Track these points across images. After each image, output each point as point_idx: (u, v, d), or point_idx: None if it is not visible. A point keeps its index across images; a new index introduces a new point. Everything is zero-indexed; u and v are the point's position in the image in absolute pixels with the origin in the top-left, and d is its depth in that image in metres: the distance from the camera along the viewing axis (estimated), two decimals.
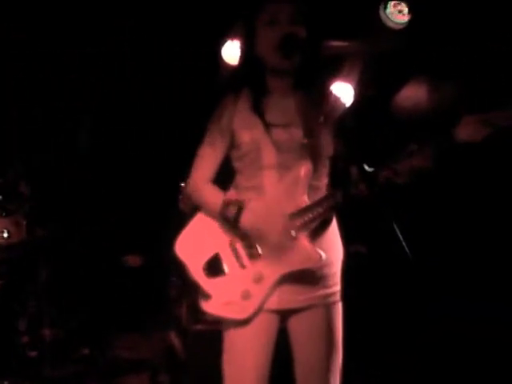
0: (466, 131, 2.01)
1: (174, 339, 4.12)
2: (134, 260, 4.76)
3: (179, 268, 2.23)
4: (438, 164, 2.04)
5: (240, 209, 2.16)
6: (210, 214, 2.25)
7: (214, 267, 2.18)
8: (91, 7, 3.94)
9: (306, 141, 2.18)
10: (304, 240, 2.14)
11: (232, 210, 2.16)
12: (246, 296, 2.14)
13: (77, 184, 4.72)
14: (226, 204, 2.19)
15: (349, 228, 2.38)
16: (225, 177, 2.32)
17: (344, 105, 2.28)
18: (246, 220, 2.15)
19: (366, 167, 2.05)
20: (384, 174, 2.06)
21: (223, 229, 2.22)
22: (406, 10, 3.81)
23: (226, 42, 4.03)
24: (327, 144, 2.22)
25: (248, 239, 2.18)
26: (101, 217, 4.76)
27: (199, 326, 3.88)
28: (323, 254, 2.13)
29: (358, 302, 3.78)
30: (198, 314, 2.30)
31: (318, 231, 2.19)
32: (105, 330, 4.48)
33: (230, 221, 2.17)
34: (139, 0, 3.86)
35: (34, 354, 3.95)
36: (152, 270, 4.55)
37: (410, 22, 3.80)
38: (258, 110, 2.21)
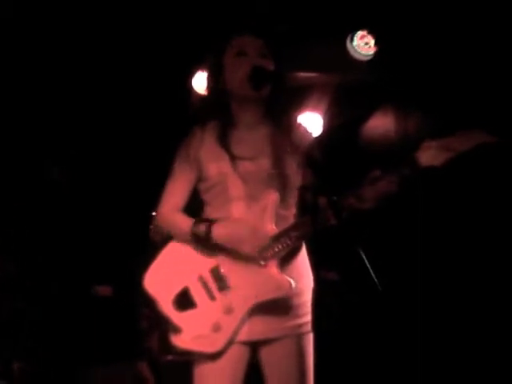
0: (427, 156, 2.04)
1: (145, 370, 4.09)
2: (104, 290, 4.72)
3: (149, 300, 2.23)
4: (402, 188, 2.07)
5: (211, 224, 2.16)
6: (181, 236, 2.23)
7: (183, 301, 2.17)
8: (51, 50, 3.94)
9: (273, 171, 2.20)
10: (274, 269, 2.14)
11: (202, 227, 2.16)
12: (216, 328, 2.13)
13: (47, 215, 4.68)
14: (197, 222, 2.19)
15: (321, 255, 2.40)
16: (194, 210, 2.32)
17: (312, 135, 2.31)
18: (218, 233, 2.15)
19: (333, 195, 2.08)
20: (349, 202, 2.08)
21: (197, 249, 2.21)
22: (372, 42, 3.88)
23: (196, 72, 4.06)
24: (295, 174, 2.25)
25: (217, 271, 2.18)
26: (71, 246, 4.72)
27: (170, 357, 3.85)
28: (293, 283, 2.13)
29: (331, 331, 3.80)
30: (169, 344, 2.28)
31: (287, 260, 2.20)
32: (75, 363, 4.42)
33: (202, 237, 2.16)
34: (108, 32, 3.87)
35: (3, 383, 3.89)
36: (123, 301, 4.51)
37: (376, 53, 3.87)
38: (225, 142, 2.23)
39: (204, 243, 2.17)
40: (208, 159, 2.23)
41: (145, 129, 4.57)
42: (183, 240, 2.23)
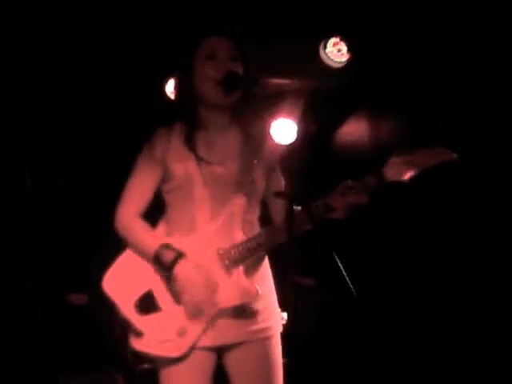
0: (393, 172, 2.09)
1: (120, 380, 4.05)
2: (78, 299, 4.66)
3: (110, 305, 2.19)
4: (374, 199, 2.09)
5: (178, 257, 2.12)
6: (140, 253, 2.19)
7: (146, 304, 2.15)
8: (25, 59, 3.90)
9: (240, 176, 2.20)
10: (240, 275, 2.14)
11: (169, 256, 2.12)
12: (181, 333, 2.11)
13: (20, 221, 4.63)
14: (163, 248, 2.14)
15: (297, 261, 2.40)
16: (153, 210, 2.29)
17: (280, 143, 2.30)
18: (181, 271, 2.11)
19: (304, 204, 2.08)
20: (318, 210, 2.10)
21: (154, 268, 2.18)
22: (345, 49, 3.89)
23: (169, 78, 4.04)
24: (260, 179, 2.24)
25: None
26: (44, 253, 4.67)
27: (146, 365, 3.82)
28: (259, 289, 2.13)
29: (307, 336, 3.80)
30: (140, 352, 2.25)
31: (251, 265, 2.20)
32: (49, 373, 4.37)
33: (164, 265, 2.12)
34: (80, 38, 3.84)
35: None
36: (97, 308, 4.47)
37: (349, 60, 3.89)
38: (191, 144, 2.20)
39: (161, 269, 2.14)
40: (174, 159, 2.20)
41: (110, 136, 4.53)
42: (141, 256, 2.18)
